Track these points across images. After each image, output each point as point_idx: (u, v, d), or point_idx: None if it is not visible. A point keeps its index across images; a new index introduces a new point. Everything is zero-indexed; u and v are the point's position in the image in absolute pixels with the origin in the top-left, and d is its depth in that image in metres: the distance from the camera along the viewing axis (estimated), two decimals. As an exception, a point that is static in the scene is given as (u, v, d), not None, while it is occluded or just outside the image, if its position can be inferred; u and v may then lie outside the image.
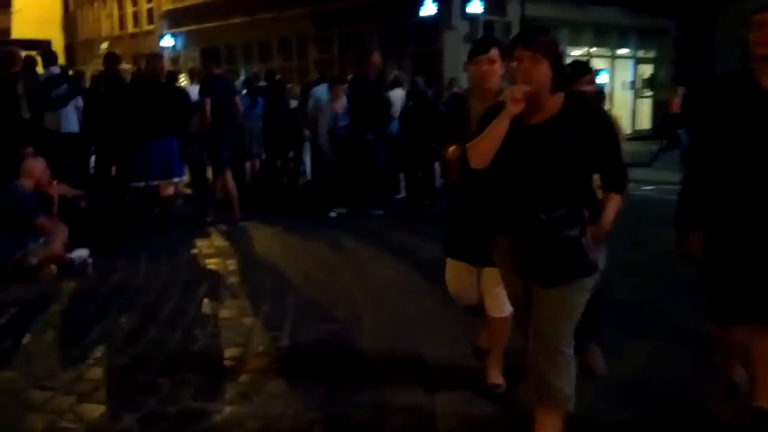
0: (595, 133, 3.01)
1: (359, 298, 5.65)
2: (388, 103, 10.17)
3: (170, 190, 8.37)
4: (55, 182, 6.65)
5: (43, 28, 33.84)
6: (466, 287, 3.99)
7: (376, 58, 9.46)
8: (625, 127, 23.27)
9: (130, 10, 31.76)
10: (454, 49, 18.21)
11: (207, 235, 8.02)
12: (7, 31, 33.00)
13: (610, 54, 23.09)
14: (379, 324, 5.07)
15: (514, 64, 3.05)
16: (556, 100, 3.04)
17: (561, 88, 3.06)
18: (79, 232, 6.56)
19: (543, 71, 2.97)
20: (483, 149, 3.08)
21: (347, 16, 20.05)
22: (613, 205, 3.12)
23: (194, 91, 11.22)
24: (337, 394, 3.97)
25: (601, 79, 23.69)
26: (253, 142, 11.44)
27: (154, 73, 8.43)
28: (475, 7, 17.05)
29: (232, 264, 6.81)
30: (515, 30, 15.51)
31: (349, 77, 10.24)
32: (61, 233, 6.10)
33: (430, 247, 3.88)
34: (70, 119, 9.40)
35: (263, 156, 11.94)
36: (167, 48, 25.44)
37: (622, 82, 23.57)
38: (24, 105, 8.26)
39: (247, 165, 11.56)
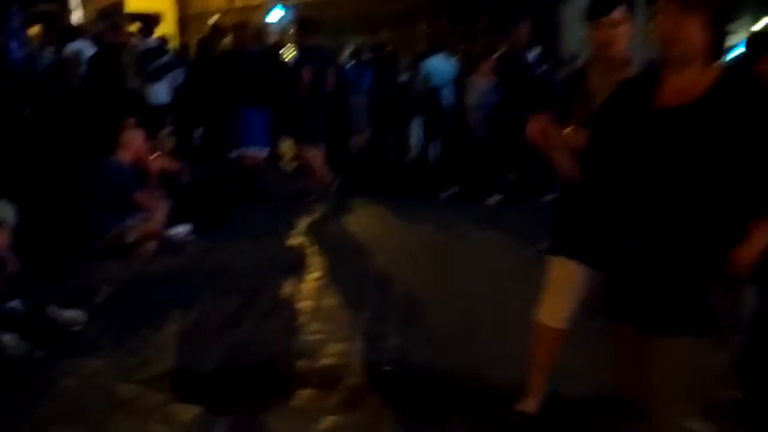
0: (755, 129, 2.13)
1: (476, 291, 5.07)
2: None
3: (257, 161, 8.30)
4: (155, 155, 6.36)
5: (155, 2, 34.51)
6: (569, 297, 3.14)
7: (524, 29, 8.47)
8: None
9: (240, -17, 31.88)
10: (574, 21, 17.20)
11: (310, 214, 7.60)
12: (120, 4, 33.77)
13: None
14: (500, 325, 4.46)
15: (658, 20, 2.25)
16: (708, 76, 2.21)
17: (717, 58, 2.23)
18: (179, 207, 6.28)
19: (693, 30, 2.17)
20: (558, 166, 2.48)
21: (458, -14, 19.36)
22: (763, 234, 2.18)
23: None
24: (458, 416, 3.41)
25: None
26: (359, 117, 10.96)
27: (243, 43, 8.23)
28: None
29: (336, 247, 6.37)
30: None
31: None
32: (160, 209, 5.80)
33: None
34: (160, 91, 9.17)
35: (369, 131, 11.44)
36: (275, 21, 25.35)
37: None
38: (130, 75, 8.07)
39: (352, 140, 11.11)
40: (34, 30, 11.85)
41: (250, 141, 8.14)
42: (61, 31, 10.92)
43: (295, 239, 6.62)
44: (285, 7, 26.60)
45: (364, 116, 10.96)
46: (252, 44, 8.42)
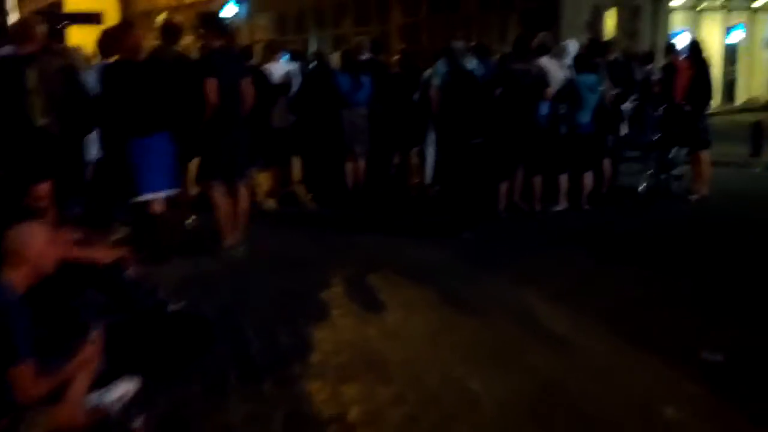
0: None
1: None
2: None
3: (161, 207, 6.01)
4: (71, 242, 3.83)
5: (96, 1, 31.60)
6: None
7: None
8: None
9: (189, -23, 29.18)
10: (576, 3, 15.09)
11: (316, 308, 5.11)
12: (59, 4, 30.84)
13: (746, 6, 20.04)
14: None
15: None
16: None
17: None
18: (123, 335, 3.77)
19: None
20: None
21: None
22: None
23: (276, 69, 8.57)
24: None
25: (736, 36, 20.16)
26: (357, 137, 8.47)
27: (128, 51, 5.88)
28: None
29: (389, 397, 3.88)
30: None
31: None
32: (80, 376, 3.22)
33: None
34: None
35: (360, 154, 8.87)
36: (230, 17, 22.59)
37: (761, 39, 20.65)
38: (36, 103, 5.35)
39: (348, 167, 8.61)
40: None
41: (153, 182, 5.88)
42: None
43: (317, 389, 4.06)
44: (239, 2, 23.81)
45: (364, 135, 8.50)
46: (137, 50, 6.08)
